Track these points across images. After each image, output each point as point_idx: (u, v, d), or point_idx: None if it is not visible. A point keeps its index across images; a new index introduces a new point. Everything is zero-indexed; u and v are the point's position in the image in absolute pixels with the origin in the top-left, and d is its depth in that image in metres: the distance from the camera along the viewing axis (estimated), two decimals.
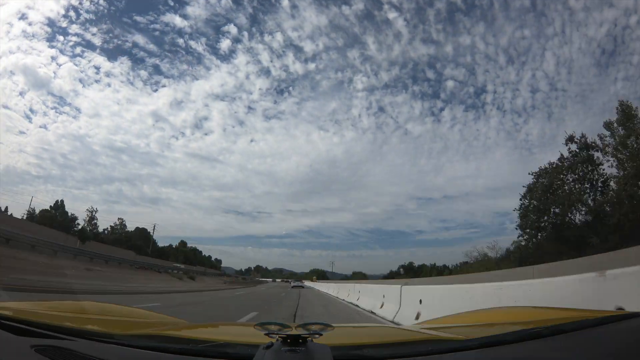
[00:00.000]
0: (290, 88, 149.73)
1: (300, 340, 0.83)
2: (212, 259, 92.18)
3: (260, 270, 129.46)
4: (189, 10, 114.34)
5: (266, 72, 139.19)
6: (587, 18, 75.56)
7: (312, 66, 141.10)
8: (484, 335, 1.00)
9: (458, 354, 0.92)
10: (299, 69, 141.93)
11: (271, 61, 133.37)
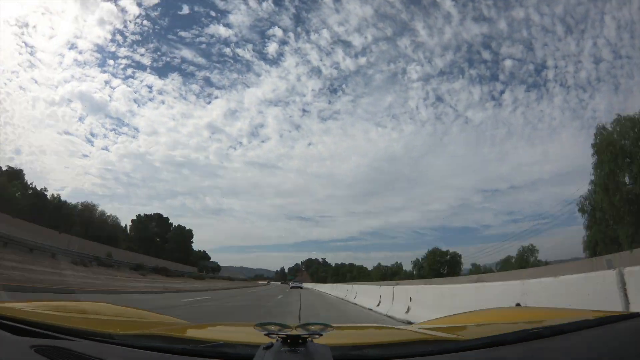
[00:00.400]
0: (343, 85, 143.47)
1: (300, 341, 0.83)
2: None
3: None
4: (232, 18, 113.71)
5: (317, 71, 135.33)
6: None
7: (362, 60, 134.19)
8: (484, 335, 1.00)
9: (458, 354, 0.92)
10: (349, 65, 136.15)
11: (320, 60, 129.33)
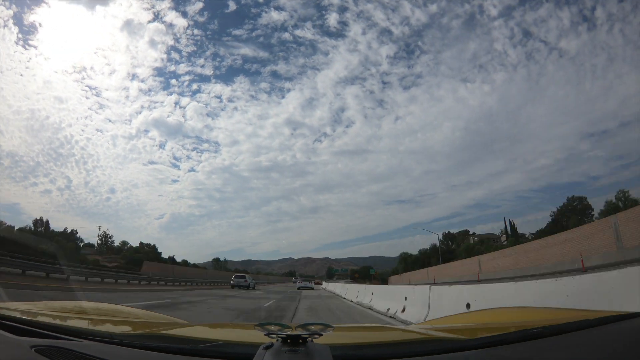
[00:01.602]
0: (419, 43, 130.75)
1: (300, 341, 0.83)
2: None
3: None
4: (281, 0, 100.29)
5: (387, 33, 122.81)
6: None
7: (433, 8, 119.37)
8: (485, 335, 1.00)
9: (459, 354, 0.92)
10: (420, 17, 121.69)
11: (388, 19, 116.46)
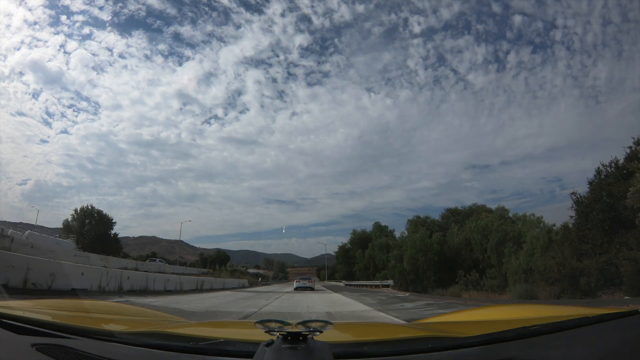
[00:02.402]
0: (336, 40, 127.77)
1: (301, 338, 0.83)
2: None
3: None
4: None
5: (306, 21, 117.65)
6: None
7: (361, 8, 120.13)
8: (483, 332, 1.00)
9: (458, 351, 0.92)
10: (345, 13, 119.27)
11: (312, 6, 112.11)
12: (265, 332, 0.88)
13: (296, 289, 26.42)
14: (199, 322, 1.98)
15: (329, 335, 0.89)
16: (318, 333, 0.86)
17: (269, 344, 0.83)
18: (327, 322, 0.92)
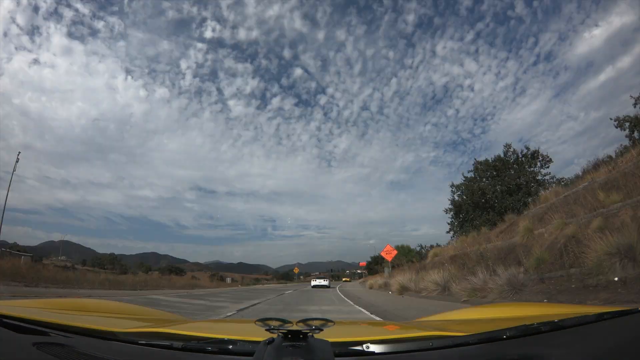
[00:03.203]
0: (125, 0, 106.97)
1: (301, 336, 0.83)
2: None
3: None
4: None
5: None
6: None
7: None
8: (484, 330, 1.00)
9: (459, 350, 0.92)
10: None
11: None
12: (266, 330, 0.88)
13: (313, 286, 30.57)
14: (199, 320, 1.98)
15: (330, 334, 0.89)
16: (318, 331, 0.86)
17: (270, 342, 0.83)
18: (327, 320, 0.92)
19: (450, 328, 1.26)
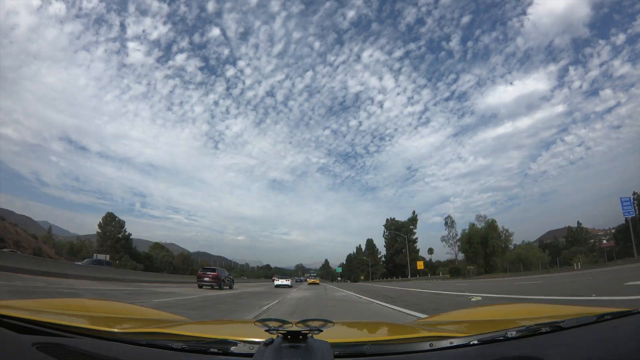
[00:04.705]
0: None
1: (301, 337, 0.83)
2: None
3: None
4: None
5: None
6: None
7: None
8: (484, 331, 1.00)
9: (459, 351, 0.92)
10: None
11: None
12: (265, 331, 0.88)
13: (276, 286, 28.24)
14: (199, 321, 1.98)
15: (329, 335, 0.89)
16: (318, 332, 0.86)
17: (269, 343, 0.83)
18: (327, 321, 0.92)
19: (450, 329, 1.26)
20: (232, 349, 0.92)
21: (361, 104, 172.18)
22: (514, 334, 0.96)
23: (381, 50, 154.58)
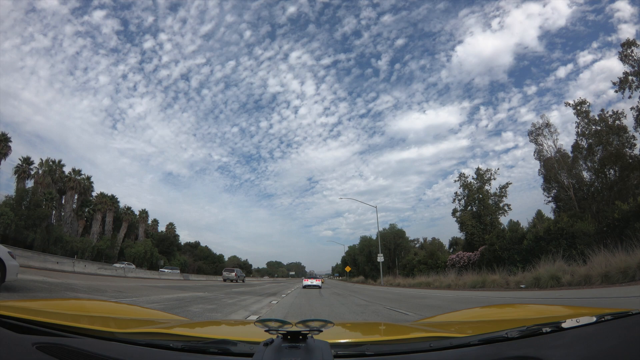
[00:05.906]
0: None
1: (300, 337, 0.83)
2: None
3: None
4: None
5: None
6: None
7: None
8: (484, 332, 1.00)
9: (458, 351, 0.92)
10: None
11: None
12: (265, 331, 0.88)
13: (304, 287, 26.38)
14: (198, 321, 1.98)
15: (329, 335, 0.90)
16: (318, 332, 0.86)
17: (269, 343, 0.83)
18: (327, 322, 0.92)
19: (450, 329, 1.26)
20: (232, 349, 0.92)
21: (276, 106, 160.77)
22: (514, 334, 0.96)
23: (311, 54, 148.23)
